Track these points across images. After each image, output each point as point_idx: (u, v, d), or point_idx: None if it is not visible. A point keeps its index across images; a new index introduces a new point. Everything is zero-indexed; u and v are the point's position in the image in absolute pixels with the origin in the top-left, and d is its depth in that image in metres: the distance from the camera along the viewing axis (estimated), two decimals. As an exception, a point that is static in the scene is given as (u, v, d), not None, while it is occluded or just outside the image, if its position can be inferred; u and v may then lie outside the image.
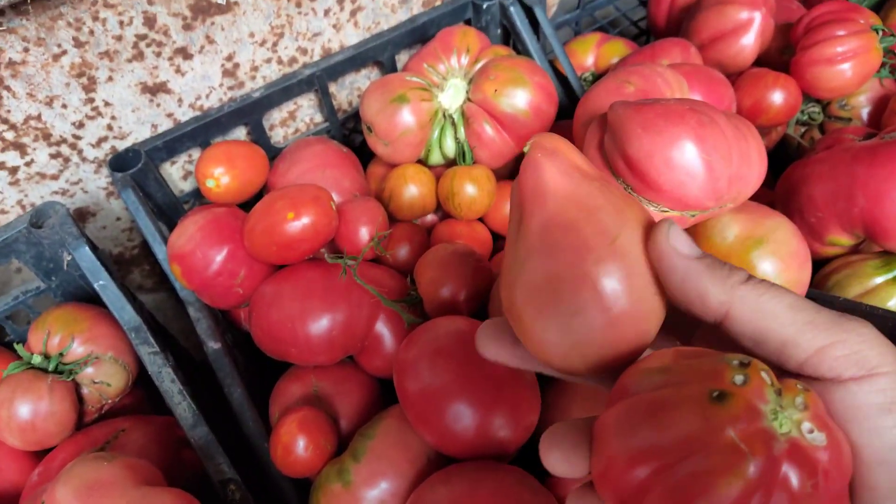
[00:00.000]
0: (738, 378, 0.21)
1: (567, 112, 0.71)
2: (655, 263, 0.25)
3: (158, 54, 0.60)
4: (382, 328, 0.56)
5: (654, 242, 0.25)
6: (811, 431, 0.20)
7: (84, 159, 0.63)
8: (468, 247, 0.59)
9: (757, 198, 0.53)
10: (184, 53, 0.62)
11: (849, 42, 0.66)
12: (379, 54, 0.71)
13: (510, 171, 0.74)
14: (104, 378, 0.55)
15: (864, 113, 0.71)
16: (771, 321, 0.23)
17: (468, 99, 0.65)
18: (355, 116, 0.76)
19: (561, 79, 0.74)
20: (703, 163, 0.48)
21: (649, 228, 0.26)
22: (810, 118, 0.75)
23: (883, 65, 0.69)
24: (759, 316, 0.23)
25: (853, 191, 0.54)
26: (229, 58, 0.64)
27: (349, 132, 0.77)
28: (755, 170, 0.51)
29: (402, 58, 0.75)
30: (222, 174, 0.60)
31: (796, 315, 0.23)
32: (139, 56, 0.59)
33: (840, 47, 0.66)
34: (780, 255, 0.50)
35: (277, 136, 0.73)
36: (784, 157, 0.76)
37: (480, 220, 0.69)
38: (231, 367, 0.56)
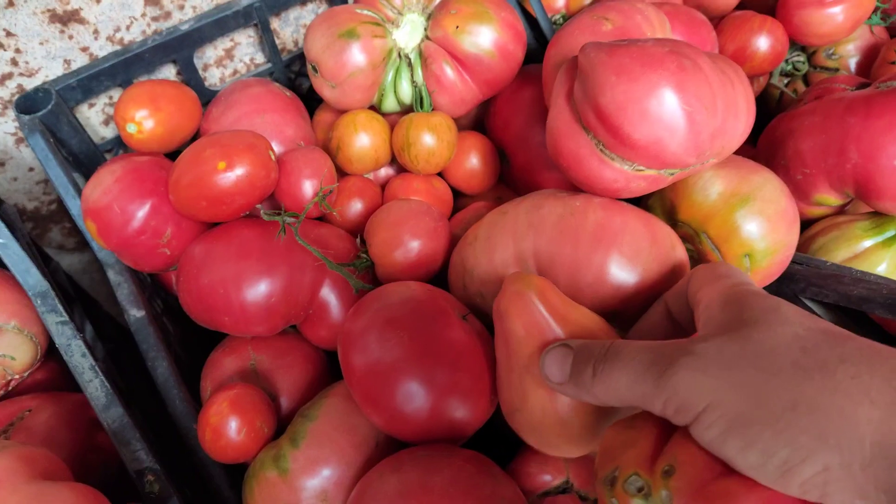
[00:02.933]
0: (613, 502, 0.29)
1: (536, 57, 0.64)
2: None
3: (67, -24, 0.52)
4: (329, 294, 0.51)
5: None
6: None
7: (-15, 99, 0.56)
8: (426, 204, 0.55)
9: (738, 154, 0.48)
10: (97, -24, 0.54)
11: (841, -18, 0.61)
12: (327, -15, 0.63)
13: (473, 120, 0.68)
14: (7, 351, 0.49)
15: (852, 63, 0.67)
16: (630, 398, 0.29)
17: (427, 37, 0.58)
18: (301, 58, 0.68)
19: (530, 20, 0.68)
20: (684, 114, 0.43)
21: None
22: (795, 68, 0.70)
23: (875, 10, 0.64)
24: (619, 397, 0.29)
25: (845, 144, 0.50)
26: (151, -17, 0.56)
27: (295, 76, 0.70)
28: (742, 121, 0.46)
29: (354, -9, 0.67)
30: (145, 118, 0.53)
31: (635, 388, 0.28)
32: (44, -22, 0.52)
33: (832, -12, 0.61)
34: (767, 215, 0.45)
35: (213, 77, 0.66)
36: (766, 110, 0.71)
37: (440, 174, 0.63)
38: (156, 337, 0.49)
